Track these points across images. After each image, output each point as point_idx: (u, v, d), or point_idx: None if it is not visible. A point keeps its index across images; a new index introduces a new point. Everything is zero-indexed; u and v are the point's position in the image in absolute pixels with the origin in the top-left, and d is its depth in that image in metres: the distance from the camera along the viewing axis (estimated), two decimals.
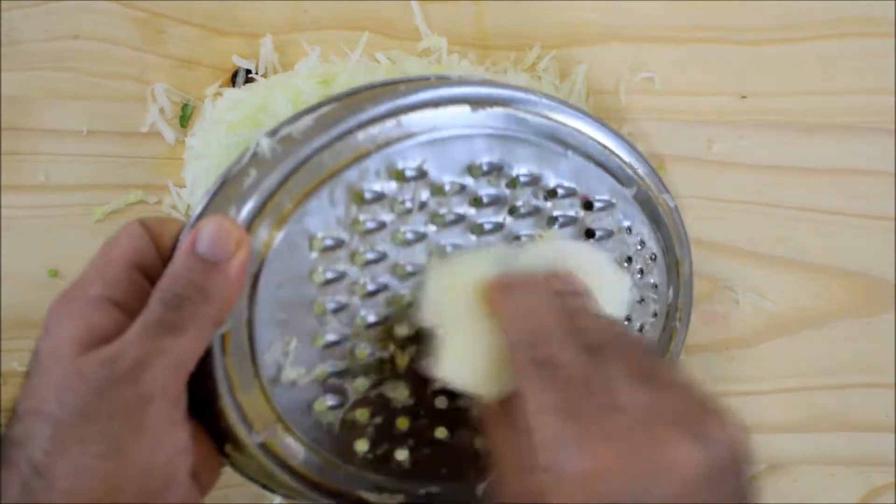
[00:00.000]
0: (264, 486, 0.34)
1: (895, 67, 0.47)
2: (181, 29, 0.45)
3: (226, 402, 0.31)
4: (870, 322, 0.48)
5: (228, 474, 0.34)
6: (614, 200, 0.38)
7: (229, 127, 0.41)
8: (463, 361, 0.32)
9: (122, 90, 0.45)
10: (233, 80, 0.45)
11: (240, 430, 0.31)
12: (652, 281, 0.40)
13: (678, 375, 0.29)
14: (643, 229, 0.39)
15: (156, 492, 0.28)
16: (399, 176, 0.33)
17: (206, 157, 0.43)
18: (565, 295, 0.32)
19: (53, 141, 0.44)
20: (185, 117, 0.45)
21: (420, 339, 0.34)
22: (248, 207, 0.31)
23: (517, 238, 0.36)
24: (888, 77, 0.47)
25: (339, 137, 0.32)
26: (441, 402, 0.35)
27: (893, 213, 0.48)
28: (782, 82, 0.47)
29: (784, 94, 0.47)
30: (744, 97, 0.47)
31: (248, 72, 0.45)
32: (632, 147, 0.38)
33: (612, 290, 0.35)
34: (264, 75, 0.45)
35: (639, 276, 0.39)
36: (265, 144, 0.32)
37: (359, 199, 0.33)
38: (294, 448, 0.33)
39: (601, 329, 0.30)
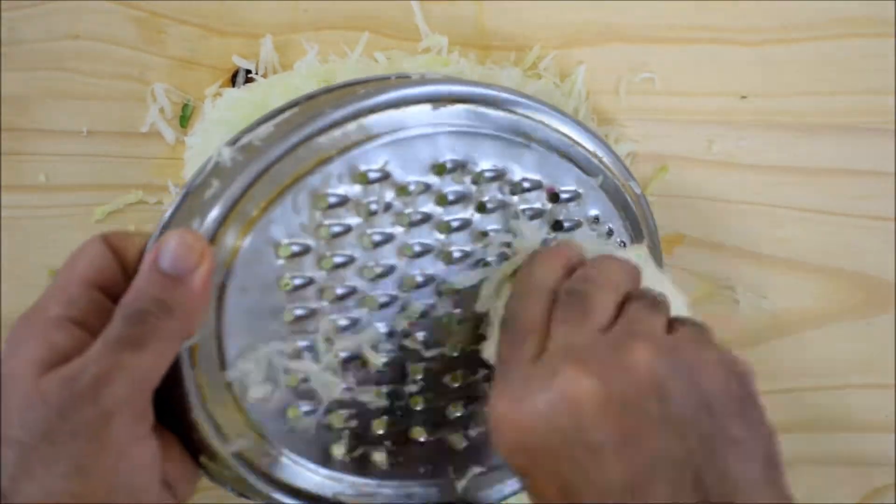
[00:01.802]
0: (241, 495, 0.33)
1: (895, 67, 0.47)
2: (181, 29, 0.45)
3: (198, 414, 0.31)
4: (870, 322, 0.48)
5: None
6: (581, 190, 0.38)
7: (229, 127, 0.41)
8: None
9: (122, 90, 0.45)
10: (233, 80, 0.45)
11: (213, 441, 0.31)
12: None
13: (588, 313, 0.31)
14: (611, 218, 0.39)
15: None
16: (363, 179, 0.33)
17: (205, 157, 0.42)
18: (572, 262, 0.33)
19: (53, 141, 0.44)
20: (185, 117, 0.45)
21: (395, 340, 0.34)
22: (212, 218, 0.31)
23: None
24: (888, 77, 0.47)
25: (300, 143, 0.32)
26: (417, 403, 0.35)
27: (893, 213, 0.48)
28: (782, 82, 0.47)
29: (784, 94, 0.47)
30: (744, 97, 0.47)
31: (248, 72, 0.45)
32: (596, 136, 0.38)
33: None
34: (264, 75, 0.45)
35: None
36: (226, 154, 0.32)
37: (323, 204, 0.33)
38: (270, 455, 0.32)
39: (570, 283, 0.32)
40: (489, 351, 0.34)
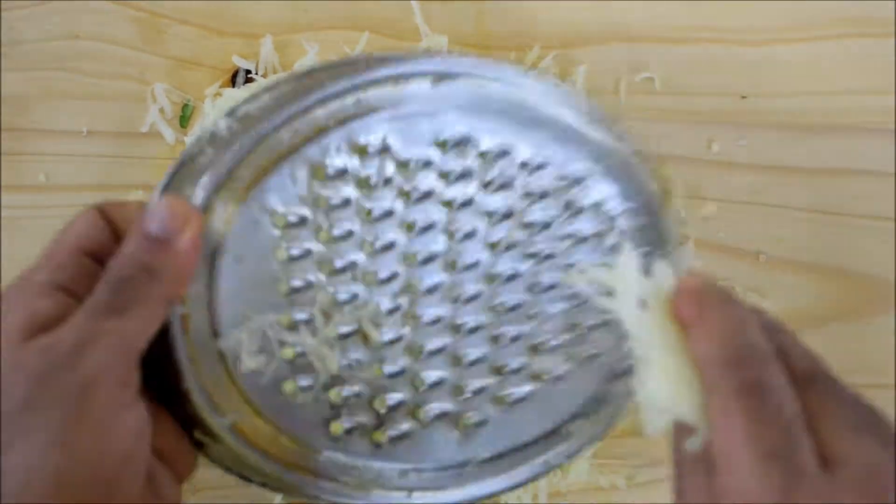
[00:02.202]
0: (240, 475, 0.33)
1: (895, 67, 0.47)
2: (181, 29, 0.45)
3: (190, 385, 0.31)
4: (870, 322, 0.48)
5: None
6: (586, 173, 0.37)
7: None
8: (673, 388, 0.26)
9: (122, 90, 0.45)
10: (233, 80, 0.45)
11: (206, 413, 0.31)
12: None
13: (888, 423, 0.26)
14: (617, 202, 0.38)
15: (109, 477, 0.27)
16: (361, 151, 0.33)
17: None
18: (761, 313, 0.28)
19: (53, 141, 0.44)
20: (185, 117, 0.45)
21: (396, 317, 0.34)
22: (204, 185, 0.31)
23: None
24: (888, 77, 0.47)
25: (298, 114, 0.32)
26: (419, 383, 0.35)
27: (893, 213, 0.48)
28: (782, 82, 0.47)
29: (784, 94, 0.47)
30: (744, 97, 0.47)
31: (248, 72, 0.45)
32: (603, 118, 0.38)
33: None
34: (264, 75, 0.45)
35: None
36: (222, 123, 0.32)
37: (321, 175, 0.33)
38: (264, 431, 0.32)
39: (806, 357, 0.27)
40: (659, 397, 0.26)
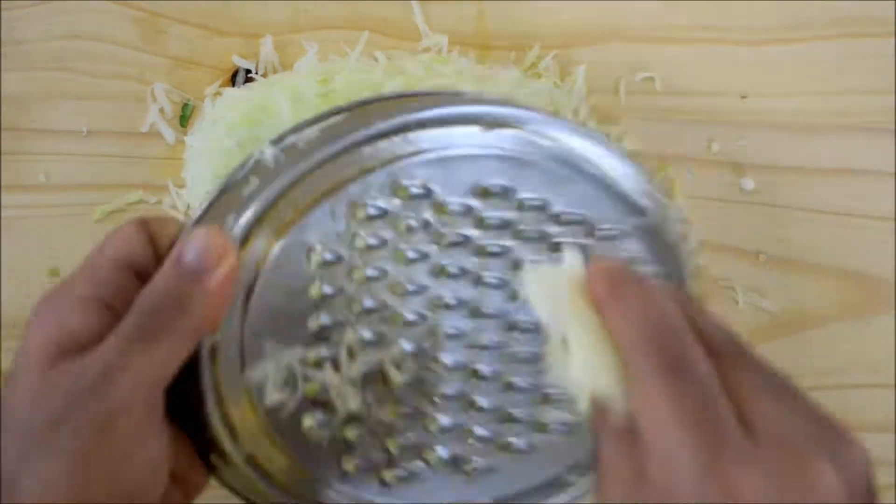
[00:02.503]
0: (247, 500, 0.33)
1: (895, 67, 0.47)
2: (181, 29, 0.45)
3: (212, 412, 0.31)
4: (870, 322, 0.48)
5: None
6: (622, 229, 0.37)
7: (229, 127, 0.41)
8: (592, 365, 0.27)
9: (122, 90, 0.45)
10: (233, 80, 0.45)
11: (225, 440, 0.31)
12: None
13: (799, 390, 0.26)
14: (651, 260, 0.37)
15: (125, 501, 0.27)
16: (403, 193, 0.33)
17: (206, 156, 0.43)
18: (671, 288, 0.29)
19: (53, 141, 0.44)
20: (185, 117, 0.45)
21: (417, 359, 0.34)
22: (247, 216, 0.31)
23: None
24: (888, 77, 0.47)
25: (345, 150, 0.32)
26: (434, 426, 0.35)
27: (893, 213, 0.48)
28: (782, 82, 0.47)
29: (784, 94, 0.47)
30: (744, 97, 0.47)
31: (248, 72, 0.45)
32: (644, 176, 0.37)
33: None
34: (264, 75, 0.45)
35: None
36: (269, 153, 0.32)
37: (361, 214, 0.32)
38: (278, 460, 0.32)
39: (718, 329, 0.27)
40: (579, 375, 0.27)
